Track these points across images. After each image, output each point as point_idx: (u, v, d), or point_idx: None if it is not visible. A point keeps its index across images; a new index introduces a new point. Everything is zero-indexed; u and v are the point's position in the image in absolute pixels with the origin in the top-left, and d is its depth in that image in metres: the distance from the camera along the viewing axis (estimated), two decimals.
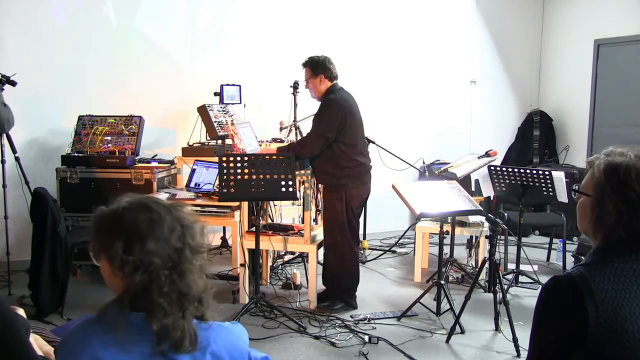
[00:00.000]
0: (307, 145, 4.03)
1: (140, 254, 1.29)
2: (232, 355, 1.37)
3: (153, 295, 1.29)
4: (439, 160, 6.06)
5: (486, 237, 3.81)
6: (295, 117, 5.11)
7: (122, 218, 1.35)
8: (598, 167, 1.44)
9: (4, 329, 1.56)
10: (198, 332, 1.33)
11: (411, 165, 5.28)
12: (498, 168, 4.64)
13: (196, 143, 5.00)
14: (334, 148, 3.96)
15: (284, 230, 4.23)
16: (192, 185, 4.56)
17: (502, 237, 4.94)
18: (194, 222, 1.41)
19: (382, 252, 5.59)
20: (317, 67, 4.03)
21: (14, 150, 4.36)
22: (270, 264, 4.77)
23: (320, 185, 4.41)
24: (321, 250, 4.28)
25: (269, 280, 4.63)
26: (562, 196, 4.38)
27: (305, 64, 4.09)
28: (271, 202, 4.70)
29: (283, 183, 3.66)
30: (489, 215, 3.83)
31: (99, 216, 1.41)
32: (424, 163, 5.88)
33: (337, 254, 4.05)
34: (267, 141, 5.17)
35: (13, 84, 4.29)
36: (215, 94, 5.16)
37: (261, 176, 3.66)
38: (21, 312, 1.95)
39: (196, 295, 1.35)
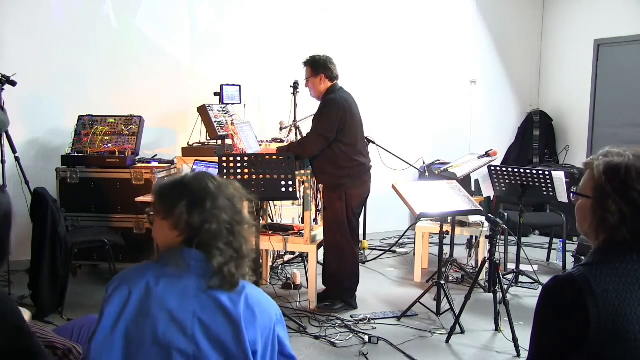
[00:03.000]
0: (307, 145, 4.03)
1: (212, 209, 1.55)
2: (261, 312, 1.54)
3: (217, 241, 1.54)
4: (439, 160, 6.07)
5: (486, 237, 3.81)
6: (295, 117, 5.11)
7: (185, 184, 1.62)
8: (597, 169, 1.43)
9: (4, 311, 1.56)
10: (238, 282, 1.55)
11: (411, 165, 5.28)
12: (498, 168, 4.64)
13: (196, 143, 5.00)
14: (333, 148, 3.96)
15: (284, 230, 4.23)
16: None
17: (502, 237, 4.94)
18: (242, 197, 1.65)
19: (382, 252, 5.59)
20: (318, 66, 4.02)
21: (14, 150, 4.36)
22: (270, 264, 4.77)
23: (320, 185, 4.41)
24: (321, 250, 4.28)
25: (269, 280, 4.63)
26: (562, 196, 4.38)
27: (306, 63, 4.09)
28: (271, 202, 4.70)
29: (283, 183, 3.65)
30: (489, 215, 3.83)
31: (162, 184, 1.67)
32: (424, 163, 5.89)
33: (337, 254, 4.04)
34: (267, 141, 5.17)
35: (13, 84, 4.29)
36: (215, 94, 5.16)
37: (261, 176, 3.65)
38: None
39: (244, 254, 1.59)
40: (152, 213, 1.63)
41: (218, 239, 1.54)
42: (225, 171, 3.65)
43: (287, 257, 5.14)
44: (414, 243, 5.14)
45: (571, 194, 1.54)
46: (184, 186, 1.61)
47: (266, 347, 1.53)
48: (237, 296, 1.52)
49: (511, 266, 4.78)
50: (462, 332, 3.69)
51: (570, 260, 4.99)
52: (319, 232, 4.28)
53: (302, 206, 4.41)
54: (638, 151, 1.43)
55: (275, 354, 1.56)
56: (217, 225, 1.54)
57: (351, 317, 3.94)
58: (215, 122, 4.83)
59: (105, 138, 4.79)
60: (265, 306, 1.56)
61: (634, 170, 1.39)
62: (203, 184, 1.59)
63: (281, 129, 5.15)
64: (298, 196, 4.02)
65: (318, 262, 4.26)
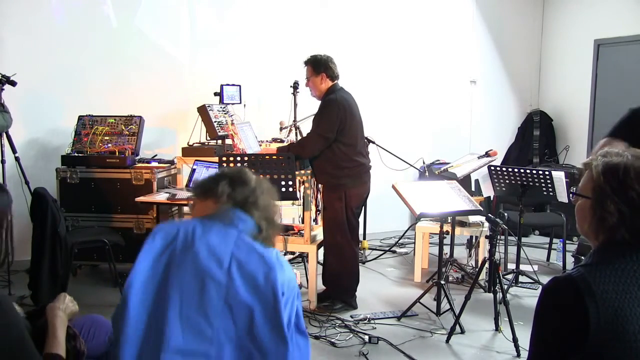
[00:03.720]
0: (307, 145, 4.03)
1: (254, 190, 1.77)
2: (289, 270, 1.70)
3: (258, 211, 1.75)
4: (439, 160, 6.07)
5: (486, 237, 3.81)
6: (295, 117, 5.11)
7: (224, 170, 1.85)
8: (596, 169, 1.43)
9: (5, 322, 1.56)
10: (271, 242, 1.77)
11: (411, 165, 5.28)
12: (498, 168, 4.64)
13: (196, 143, 5.00)
14: (333, 148, 3.96)
15: (284, 230, 4.22)
16: (192, 185, 4.56)
17: (502, 237, 4.94)
18: (271, 193, 1.86)
19: (382, 252, 5.59)
20: (319, 65, 4.02)
21: (14, 150, 4.36)
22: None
23: (320, 185, 4.41)
24: (321, 250, 4.28)
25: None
26: (562, 196, 4.38)
27: (307, 62, 4.08)
28: None
29: (283, 183, 3.66)
30: (489, 215, 3.83)
31: (218, 174, 1.84)
32: (424, 163, 5.88)
33: (337, 254, 4.05)
34: (267, 141, 5.17)
35: (13, 84, 4.29)
36: (215, 94, 5.16)
37: (261, 176, 3.64)
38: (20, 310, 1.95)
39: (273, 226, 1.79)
40: (192, 202, 1.84)
41: (259, 209, 1.74)
42: None
43: (287, 257, 5.14)
44: (414, 243, 5.14)
45: (571, 195, 1.54)
46: (222, 172, 1.82)
47: (291, 303, 1.66)
48: (270, 249, 1.70)
49: (511, 266, 4.78)
50: (462, 332, 3.70)
51: (570, 260, 4.98)
52: (319, 232, 4.28)
53: (302, 206, 4.41)
54: (637, 151, 1.44)
55: (294, 318, 1.68)
56: (259, 201, 1.75)
57: (351, 317, 3.94)
58: (215, 122, 4.84)
59: (105, 138, 4.80)
60: (291, 272, 1.71)
61: (632, 171, 1.39)
62: (242, 171, 1.83)
63: (281, 129, 5.15)
64: (298, 196, 4.02)
65: (318, 262, 4.26)
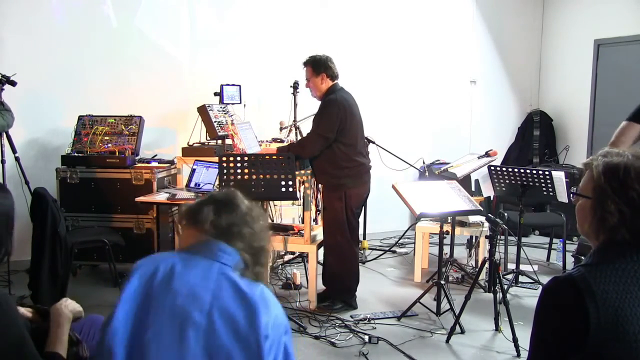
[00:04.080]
0: (307, 145, 4.03)
1: (241, 216, 1.65)
2: (275, 307, 1.58)
3: (242, 241, 1.63)
4: (439, 160, 6.07)
5: (486, 237, 3.81)
6: (295, 117, 5.11)
7: (213, 195, 1.73)
8: (596, 169, 1.43)
9: (6, 322, 1.56)
10: (256, 276, 1.65)
11: (411, 165, 5.28)
12: (498, 168, 4.64)
13: (196, 143, 5.00)
14: (333, 148, 3.96)
15: (284, 230, 4.23)
16: (192, 185, 4.56)
17: (502, 237, 4.94)
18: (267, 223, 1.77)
19: (382, 252, 5.59)
20: (319, 66, 4.02)
21: (14, 150, 4.36)
22: (270, 264, 4.76)
23: (320, 185, 4.41)
24: (321, 250, 4.28)
25: (268, 280, 4.63)
26: (562, 196, 4.38)
27: (306, 63, 4.08)
28: (271, 202, 4.70)
29: (283, 183, 3.65)
30: (489, 215, 3.83)
31: (206, 197, 1.73)
32: (424, 163, 5.89)
33: (337, 254, 4.05)
34: (267, 141, 5.17)
35: (13, 84, 4.29)
36: (215, 94, 5.15)
37: (261, 176, 3.66)
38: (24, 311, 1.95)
39: (265, 267, 1.70)
40: (180, 228, 1.72)
41: (245, 239, 1.63)
42: (225, 171, 3.65)
43: (287, 257, 5.14)
44: (414, 243, 5.14)
45: (571, 195, 1.55)
46: (211, 196, 1.70)
47: (277, 344, 1.55)
48: (254, 285, 1.59)
49: (511, 266, 4.78)
50: (462, 332, 3.70)
51: (570, 260, 4.98)
52: (319, 232, 4.28)
53: (302, 206, 4.41)
54: (637, 151, 1.44)
55: (280, 354, 1.57)
56: (245, 230, 1.64)
57: (351, 317, 3.94)
58: (215, 122, 4.83)
59: (105, 138, 4.80)
60: (278, 307, 1.60)
61: (632, 170, 1.39)
62: (231, 195, 1.69)
63: (281, 129, 5.15)
64: (298, 196, 4.02)
65: (318, 262, 4.26)
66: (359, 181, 4.06)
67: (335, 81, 4.07)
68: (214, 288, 1.53)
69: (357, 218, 4.16)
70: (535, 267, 4.82)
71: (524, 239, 5.45)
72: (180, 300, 1.51)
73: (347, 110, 3.96)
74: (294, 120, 5.08)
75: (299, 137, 4.92)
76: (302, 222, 4.47)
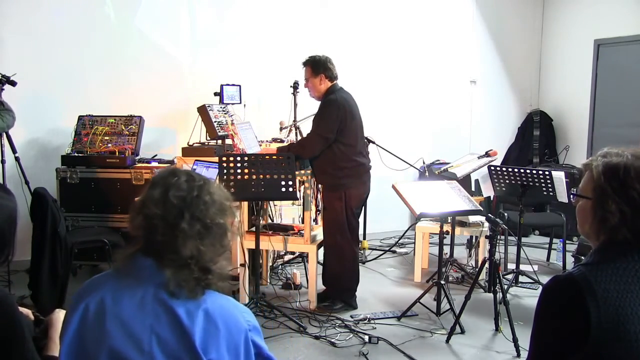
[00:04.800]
0: (307, 145, 4.03)
1: (146, 200, 1.41)
2: (226, 324, 1.40)
3: (166, 248, 1.38)
4: (439, 160, 6.07)
5: (486, 237, 3.81)
6: (295, 117, 5.11)
7: (155, 177, 1.50)
8: (596, 169, 1.43)
9: (4, 322, 1.56)
10: (197, 291, 1.40)
11: (411, 165, 5.28)
12: (498, 168, 4.64)
13: (196, 143, 5.00)
14: (333, 148, 3.96)
15: (284, 230, 4.23)
16: None
17: (502, 237, 4.94)
18: (218, 199, 1.46)
19: (382, 252, 5.59)
20: (318, 66, 4.03)
21: (14, 150, 4.36)
22: (270, 264, 4.77)
23: (320, 185, 4.41)
24: (321, 250, 4.28)
25: (269, 280, 4.64)
26: (562, 196, 4.38)
27: (305, 63, 4.09)
28: (271, 202, 4.70)
29: (283, 183, 3.65)
30: (489, 215, 3.83)
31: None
32: (424, 163, 5.89)
33: (337, 254, 4.05)
34: (267, 141, 5.17)
35: (13, 84, 4.29)
36: (215, 94, 5.15)
37: (261, 176, 3.66)
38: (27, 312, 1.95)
39: (206, 262, 1.42)
40: None
41: (167, 245, 1.40)
42: (225, 171, 3.65)
43: (287, 257, 5.14)
44: (414, 243, 5.14)
45: (571, 196, 1.54)
46: (153, 180, 1.49)
47: (238, 357, 1.44)
48: (195, 309, 1.39)
49: (511, 266, 4.78)
50: (462, 332, 3.70)
51: (570, 260, 4.98)
52: (319, 232, 4.28)
53: (302, 206, 4.41)
54: (637, 151, 1.43)
55: (251, 359, 1.46)
56: (147, 218, 1.41)
57: (351, 317, 3.94)
58: (215, 122, 4.83)
59: (105, 138, 4.80)
60: (231, 317, 1.43)
61: (632, 170, 1.38)
62: (157, 183, 1.45)
63: (281, 129, 5.15)
64: (298, 196, 4.02)
65: (318, 262, 4.26)
66: (359, 181, 4.06)
67: (335, 82, 4.07)
68: (151, 322, 1.37)
69: (357, 218, 4.17)
70: (535, 267, 4.82)
71: (524, 239, 5.45)
72: (117, 343, 1.36)
73: (347, 110, 3.96)
74: (294, 120, 5.08)
75: (299, 137, 4.92)
76: (302, 222, 4.47)
